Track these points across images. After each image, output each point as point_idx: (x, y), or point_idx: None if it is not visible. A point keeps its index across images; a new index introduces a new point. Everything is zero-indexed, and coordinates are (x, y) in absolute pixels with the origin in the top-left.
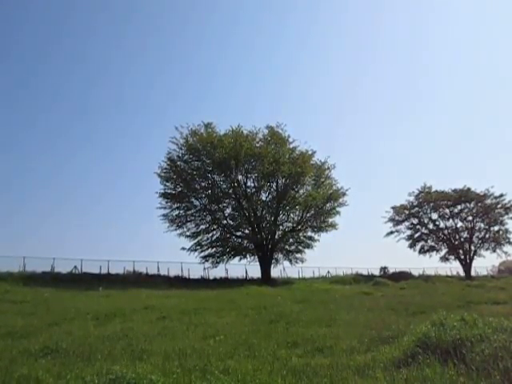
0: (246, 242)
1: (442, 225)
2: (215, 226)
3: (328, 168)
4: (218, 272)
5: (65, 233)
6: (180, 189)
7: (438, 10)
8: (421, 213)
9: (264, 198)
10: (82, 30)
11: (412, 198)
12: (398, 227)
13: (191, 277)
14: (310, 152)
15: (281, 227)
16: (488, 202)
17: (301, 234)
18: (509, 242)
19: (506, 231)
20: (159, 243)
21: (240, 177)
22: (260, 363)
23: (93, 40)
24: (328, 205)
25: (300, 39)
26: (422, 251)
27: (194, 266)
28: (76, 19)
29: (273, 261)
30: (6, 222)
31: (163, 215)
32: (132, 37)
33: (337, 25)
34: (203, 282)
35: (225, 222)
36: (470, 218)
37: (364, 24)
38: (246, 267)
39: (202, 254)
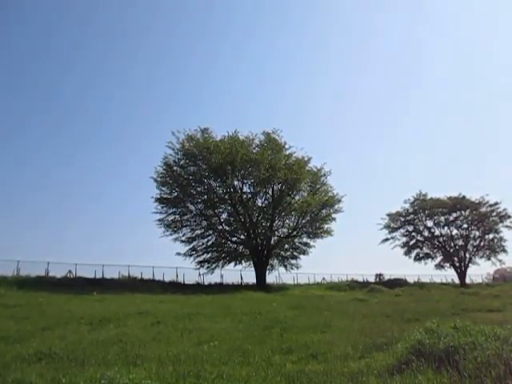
0: (241, 247)
1: (437, 232)
2: (211, 232)
3: (324, 174)
4: (213, 278)
5: (59, 237)
6: (176, 194)
7: (436, 11)
8: (416, 220)
9: (260, 204)
10: (79, 32)
11: (407, 205)
12: (394, 234)
13: (186, 282)
14: (305, 158)
15: (276, 233)
16: (483, 209)
17: (296, 240)
18: (503, 250)
19: (501, 239)
20: (154, 248)
21: (236, 182)
22: (254, 369)
23: (89, 43)
24: (323, 211)
25: (295, 41)
26: (417, 258)
27: (189, 271)
28: (74, 19)
29: (268, 267)
30: (0, 226)
31: (159, 220)
32: (127, 39)
33: (333, 26)
34: (198, 288)
35: (220, 227)
36: (465, 225)
37: (362, 26)
38: (241, 273)
39: (198, 260)
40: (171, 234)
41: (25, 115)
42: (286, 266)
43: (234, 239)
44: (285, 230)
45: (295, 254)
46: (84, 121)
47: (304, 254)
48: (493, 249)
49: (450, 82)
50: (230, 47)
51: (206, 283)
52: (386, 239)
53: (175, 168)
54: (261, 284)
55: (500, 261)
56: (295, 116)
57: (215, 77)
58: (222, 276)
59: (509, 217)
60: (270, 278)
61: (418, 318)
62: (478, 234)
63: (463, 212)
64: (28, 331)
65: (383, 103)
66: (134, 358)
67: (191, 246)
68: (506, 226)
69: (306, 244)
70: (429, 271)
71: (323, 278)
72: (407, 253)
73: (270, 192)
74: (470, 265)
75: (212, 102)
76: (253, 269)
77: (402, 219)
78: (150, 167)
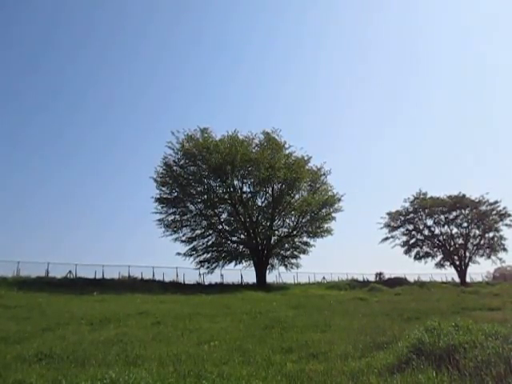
0: (241, 247)
1: (437, 231)
2: (211, 231)
3: (324, 174)
4: (214, 277)
5: (59, 238)
6: (176, 194)
7: (436, 9)
8: (416, 219)
9: (260, 204)
10: (79, 32)
11: (407, 204)
12: (394, 233)
13: (186, 282)
14: (305, 158)
15: (276, 232)
16: (483, 208)
17: (296, 240)
18: (503, 249)
19: (501, 238)
20: (154, 248)
21: (236, 182)
22: (255, 369)
23: (88, 43)
24: (323, 210)
25: (295, 41)
26: (418, 257)
27: (189, 271)
28: (74, 19)
29: (268, 266)
30: (1, 227)
31: (159, 220)
32: (126, 39)
33: (332, 26)
34: (198, 288)
35: (220, 227)
36: (465, 224)
37: (357, 24)
38: (241, 272)
39: (198, 259)
40: (171, 234)
41: (25, 115)
42: (286, 266)
43: (234, 239)
44: (285, 230)
45: (295, 253)
46: (84, 121)
47: (304, 253)
48: (493, 247)
49: (449, 80)
50: (230, 47)
51: (206, 283)
52: (386, 238)
53: (175, 168)
54: (261, 283)
55: (500, 259)
56: (295, 116)
57: (215, 76)
58: (222, 276)
59: (509, 215)
60: (270, 277)
61: (418, 316)
62: (478, 232)
63: (463, 211)
64: (28, 332)
65: (383, 102)
66: (134, 358)
67: (191, 245)
68: (506, 225)
69: (306, 243)
70: (429, 270)
71: (323, 278)
72: (407, 252)
73: (270, 191)
74: (470, 263)
75: (211, 101)
76: (253, 268)
77: (402, 218)
78: (149, 167)
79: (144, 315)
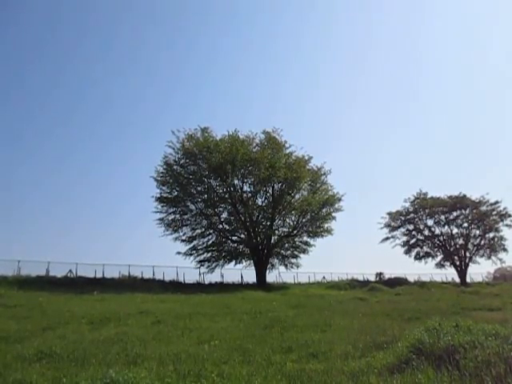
0: (241, 246)
1: (437, 231)
2: (211, 231)
3: (324, 173)
4: (214, 277)
5: (60, 237)
6: (176, 193)
7: (435, 7)
8: (416, 219)
9: (260, 203)
10: (78, 31)
11: (408, 204)
12: (394, 233)
13: (186, 281)
14: (306, 157)
15: (276, 232)
16: (483, 208)
17: (296, 239)
18: (504, 249)
19: (501, 238)
20: (155, 248)
21: (236, 181)
22: (255, 368)
23: (88, 42)
24: (324, 210)
25: (295, 40)
26: (418, 257)
27: (189, 270)
28: (73, 18)
29: (268, 266)
30: (1, 226)
31: (159, 219)
32: (126, 38)
33: (333, 25)
34: (198, 287)
35: (220, 226)
36: (466, 224)
37: (359, 24)
38: (241, 272)
39: (198, 259)
40: (171, 234)
41: (25, 114)
42: (286, 265)
43: (235, 238)
44: (285, 229)
45: (295, 253)
46: (84, 120)
47: (304, 252)
48: (493, 248)
49: (450, 79)
50: (229, 46)
51: (206, 282)
52: (387, 238)
53: (175, 167)
54: (261, 283)
55: (500, 260)
56: (295, 116)
57: (215, 76)
58: (222, 275)
59: (509, 216)
60: (271, 277)
61: (418, 316)
62: (478, 232)
63: (463, 211)
64: (28, 331)
65: (384, 102)
66: (134, 358)
67: (191, 245)
68: (507, 225)
69: (306, 243)
70: (429, 270)
71: (323, 277)
72: (407, 252)
73: (270, 191)
74: (470, 264)
75: (212, 101)
76: (253, 268)
77: (403, 218)
78: (149, 167)
79: (144, 314)
